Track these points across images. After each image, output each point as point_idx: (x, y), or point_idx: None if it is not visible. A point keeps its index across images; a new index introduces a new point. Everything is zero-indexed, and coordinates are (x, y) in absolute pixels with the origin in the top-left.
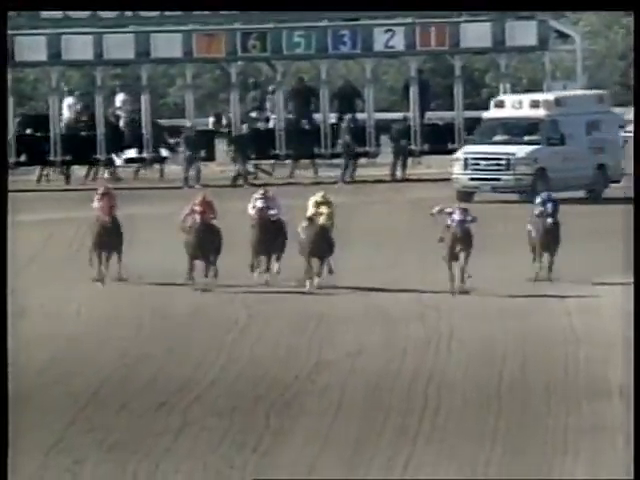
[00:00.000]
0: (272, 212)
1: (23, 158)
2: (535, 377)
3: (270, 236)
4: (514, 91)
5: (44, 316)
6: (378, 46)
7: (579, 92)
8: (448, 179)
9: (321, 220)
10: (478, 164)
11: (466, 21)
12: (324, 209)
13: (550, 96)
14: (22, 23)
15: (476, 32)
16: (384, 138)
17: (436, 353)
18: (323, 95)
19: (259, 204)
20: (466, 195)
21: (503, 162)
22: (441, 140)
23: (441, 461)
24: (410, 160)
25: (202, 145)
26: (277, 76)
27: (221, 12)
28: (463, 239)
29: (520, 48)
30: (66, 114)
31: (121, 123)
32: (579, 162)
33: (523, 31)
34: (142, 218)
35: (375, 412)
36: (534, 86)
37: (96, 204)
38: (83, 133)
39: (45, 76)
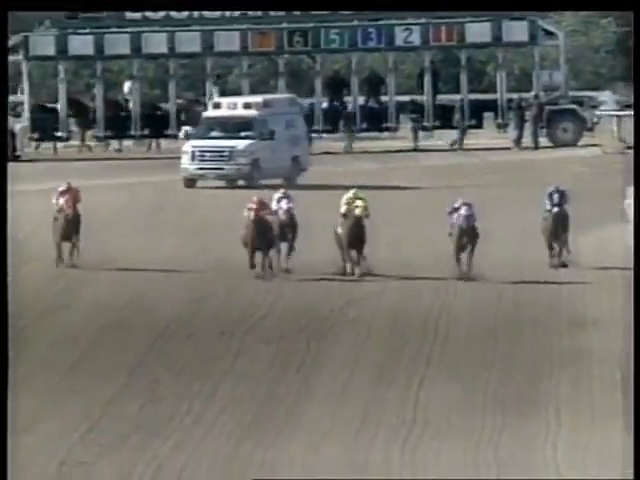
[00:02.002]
0: (289, 206)
1: (109, 133)
2: (525, 313)
3: (290, 229)
4: (509, 79)
5: (128, 261)
6: (398, 41)
7: (280, 96)
8: (453, 149)
9: (357, 212)
10: (204, 156)
11: (470, 21)
12: (359, 202)
13: (259, 98)
14: (109, 24)
15: (478, 30)
16: (402, 116)
17: (445, 295)
18: (353, 82)
19: (283, 204)
20: (191, 182)
21: (225, 154)
22: (449, 118)
23: (449, 381)
24: (423, 134)
25: None
26: (316, 66)
27: (271, 14)
28: (469, 232)
29: (514, 43)
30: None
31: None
32: (282, 154)
33: (516, 29)
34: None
35: (395, 341)
36: (525, 74)
37: (61, 200)
38: (158, 112)
39: (127, 67)
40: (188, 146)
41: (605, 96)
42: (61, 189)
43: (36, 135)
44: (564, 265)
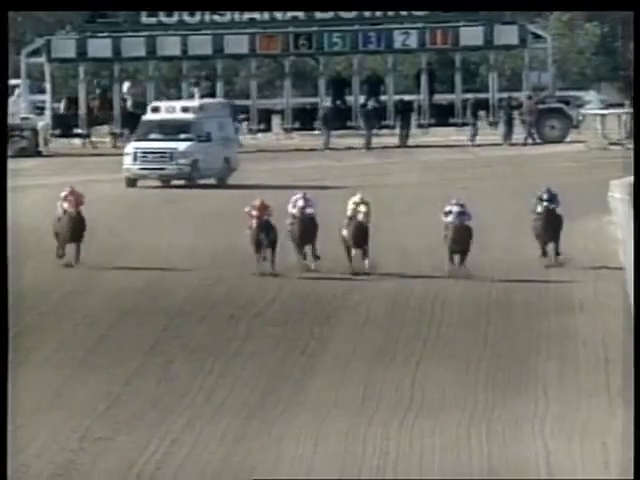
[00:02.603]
0: (310, 210)
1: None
2: (515, 298)
3: (310, 230)
4: (500, 79)
5: (142, 249)
6: (397, 44)
7: (213, 100)
8: (449, 146)
9: (360, 217)
10: (146, 157)
11: (464, 25)
12: (362, 208)
13: (195, 103)
14: (126, 28)
15: (471, 34)
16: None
17: (440, 281)
18: (354, 82)
19: (300, 203)
20: (133, 181)
21: (167, 155)
22: (444, 116)
23: (444, 360)
24: (420, 131)
25: (262, 120)
26: (320, 67)
27: (278, 18)
28: (463, 232)
29: (505, 46)
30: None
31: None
32: (216, 155)
33: (507, 33)
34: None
35: (393, 324)
36: (516, 75)
37: (65, 204)
38: None
39: (143, 67)
40: (130, 148)
41: (590, 96)
42: (64, 193)
43: (57, 132)
44: (557, 265)
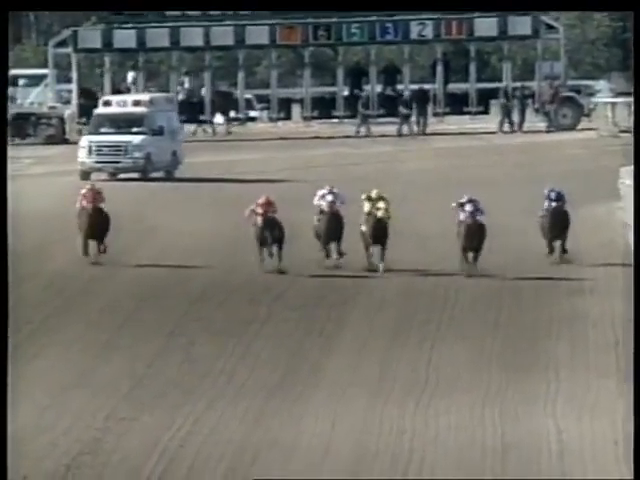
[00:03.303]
0: (338, 204)
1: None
2: (526, 281)
3: (338, 226)
4: (513, 69)
5: (170, 232)
6: (413, 35)
7: (160, 94)
8: (463, 133)
9: (379, 214)
10: (101, 150)
11: (478, 16)
12: (381, 204)
13: (146, 96)
14: (150, 19)
15: (486, 25)
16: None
17: (453, 263)
18: (372, 72)
19: (329, 198)
20: (87, 174)
21: (122, 148)
22: (458, 105)
23: (457, 343)
24: (435, 119)
25: (282, 108)
26: (338, 58)
27: (298, 11)
28: (476, 230)
29: (518, 37)
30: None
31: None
32: (166, 148)
33: (520, 24)
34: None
35: (408, 306)
36: (528, 65)
37: (84, 202)
38: (195, 100)
39: (167, 58)
40: (85, 141)
41: (601, 85)
42: (84, 191)
43: (83, 120)
44: (564, 262)
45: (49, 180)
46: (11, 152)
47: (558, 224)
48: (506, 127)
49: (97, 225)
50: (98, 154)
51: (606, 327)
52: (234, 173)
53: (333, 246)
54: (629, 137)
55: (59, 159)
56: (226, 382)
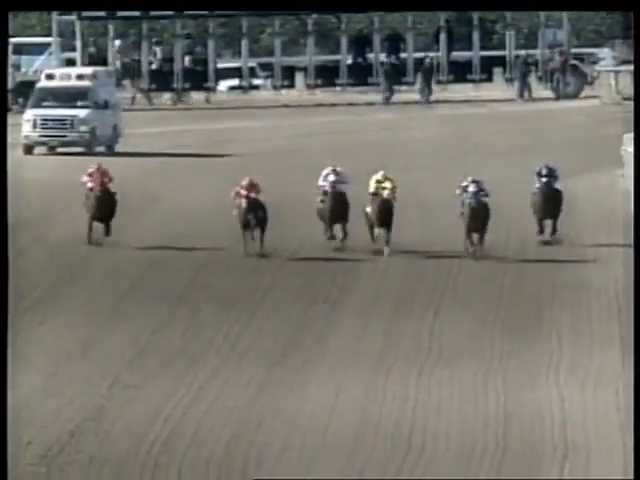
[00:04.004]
0: (342, 185)
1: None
2: (530, 250)
3: (342, 206)
4: (517, 37)
5: (171, 202)
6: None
7: (101, 68)
8: (465, 101)
9: (385, 194)
10: (46, 124)
11: None
12: (388, 184)
13: (89, 70)
14: None
15: None
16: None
17: (457, 234)
18: (375, 40)
19: (332, 178)
20: (30, 148)
21: (67, 122)
22: (462, 73)
23: (461, 312)
24: (439, 87)
25: (286, 76)
26: (342, 26)
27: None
28: (480, 211)
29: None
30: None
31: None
32: (109, 122)
33: None
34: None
35: (412, 277)
36: (532, 33)
37: (90, 183)
38: (198, 68)
39: (171, 26)
40: (29, 115)
41: (604, 53)
42: (90, 170)
43: None
44: (555, 243)
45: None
46: (14, 119)
47: (550, 203)
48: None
49: (105, 208)
50: (43, 128)
51: (609, 295)
52: (229, 141)
53: (338, 227)
54: (632, 105)
55: None
56: (230, 350)
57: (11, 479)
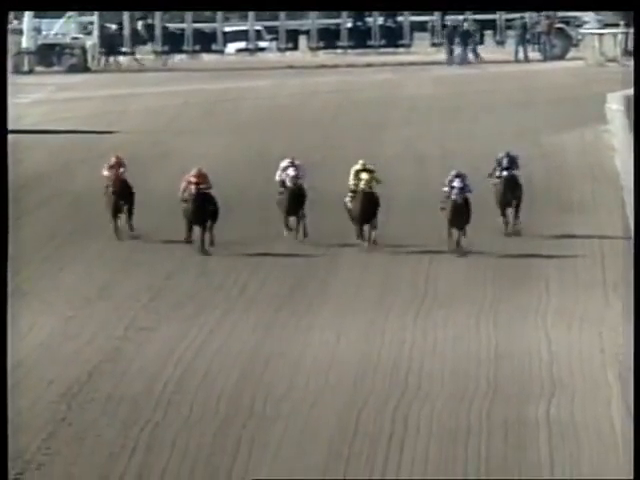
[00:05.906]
0: (300, 179)
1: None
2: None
3: (298, 201)
4: None
5: (184, 155)
6: None
7: None
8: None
9: (361, 185)
10: None
11: None
12: (364, 175)
13: None
14: None
15: None
16: (417, 34)
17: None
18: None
19: (291, 172)
20: None
21: None
22: (454, 35)
23: (454, 258)
24: (434, 49)
25: (290, 39)
26: None
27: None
28: (463, 207)
29: None
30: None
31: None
32: None
33: None
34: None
35: (409, 225)
36: None
37: (107, 172)
38: (207, 30)
39: None
40: None
41: (589, 16)
42: (110, 163)
43: (104, 50)
44: (517, 234)
45: (72, 105)
46: (37, 79)
47: (511, 192)
48: (520, 56)
49: (124, 202)
50: None
51: (593, 242)
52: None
53: (292, 220)
54: (615, 66)
55: (81, 86)
56: (238, 295)
57: (31, 418)
